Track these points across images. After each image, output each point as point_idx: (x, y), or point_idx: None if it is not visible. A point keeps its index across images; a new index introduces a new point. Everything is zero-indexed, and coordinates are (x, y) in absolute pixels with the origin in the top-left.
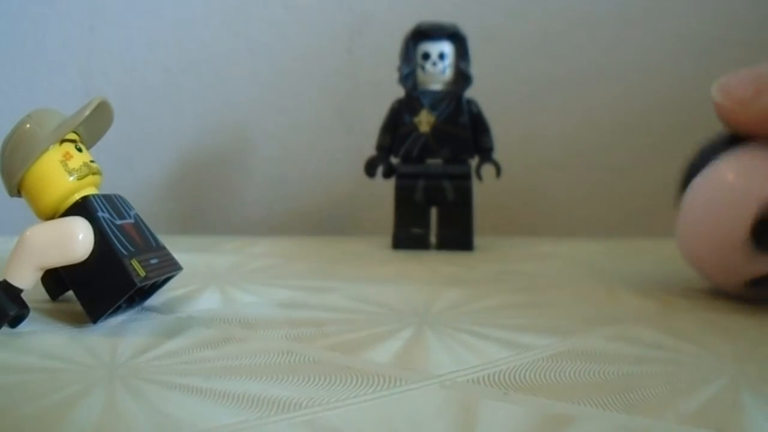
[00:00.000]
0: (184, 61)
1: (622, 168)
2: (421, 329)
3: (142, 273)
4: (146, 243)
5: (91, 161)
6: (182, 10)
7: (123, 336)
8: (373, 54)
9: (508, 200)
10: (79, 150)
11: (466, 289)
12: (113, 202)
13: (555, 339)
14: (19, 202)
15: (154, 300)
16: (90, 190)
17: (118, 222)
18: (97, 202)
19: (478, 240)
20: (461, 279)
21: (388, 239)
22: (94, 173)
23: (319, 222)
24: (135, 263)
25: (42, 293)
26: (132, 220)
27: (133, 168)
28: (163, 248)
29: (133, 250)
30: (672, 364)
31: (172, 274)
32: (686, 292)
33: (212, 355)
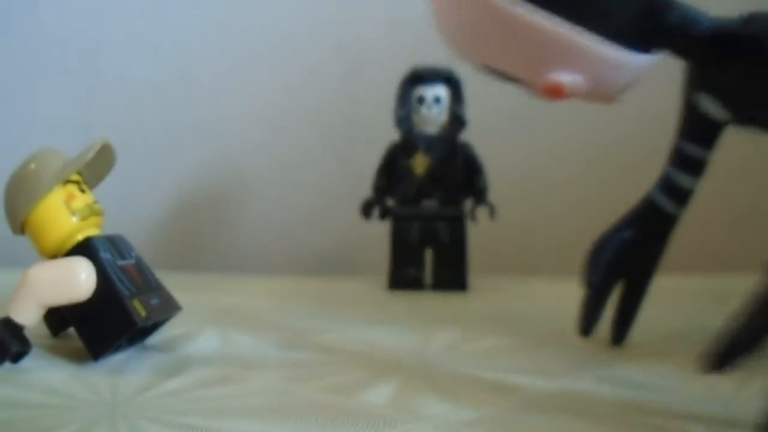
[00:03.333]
0: (183, 99)
1: (615, 207)
2: (416, 371)
3: (144, 313)
4: (147, 283)
5: (94, 202)
6: (182, 49)
7: (124, 374)
8: (370, 94)
9: (502, 240)
10: (82, 191)
11: (461, 330)
12: (115, 243)
13: (547, 380)
14: (23, 238)
15: (154, 339)
16: (92, 231)
17: (120, 263)
18: (99, 243)
19: (472, 280)
20: (456, 320)
21: (383, 279)
22: (96, 214)
23: (315, 261)
24: (137, 303)
25: (43, 329)
26: (133, 261)
27: (131, 205)
28: (163, 288)
29: (134, 290)
30: (663, 405)
31: (172, 314)
32: (680, 331)
33: (211, 394)
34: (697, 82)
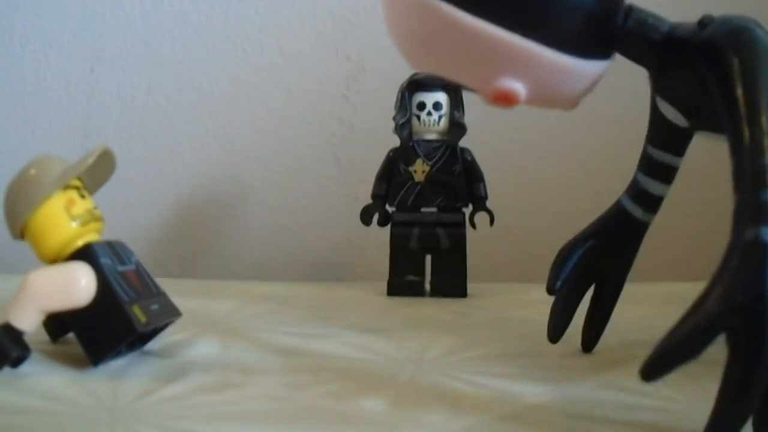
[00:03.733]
0: (182, 105)
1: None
2: (415, 377)
3: (143, 319)
4: (147, 289)
5: (94, 208)
6: (182, 55)
7: (123, 379)
8: (369, 100)
9: (502, 247)
10: (83, 197)
11: (460, 337)
12: (115, 249)
13: (546, 387)
14: (23, 243)
15: (154, 344)
16: (92, 236)
17: (120, 268)
18: (99, 248)
19: (472, 287)
20: (455, 326)
21: (383, 286)
22: (96, 220)
23: (315, 268)
24: (136, 309)
25: (43, 335)
26: (133, 267)
27: (130, 210)
28: (163, 294)
29: (134, 296)
30: (661, 412)
31: (172, 320)
32: None
33: (211, 400)
34: (656, 89)
